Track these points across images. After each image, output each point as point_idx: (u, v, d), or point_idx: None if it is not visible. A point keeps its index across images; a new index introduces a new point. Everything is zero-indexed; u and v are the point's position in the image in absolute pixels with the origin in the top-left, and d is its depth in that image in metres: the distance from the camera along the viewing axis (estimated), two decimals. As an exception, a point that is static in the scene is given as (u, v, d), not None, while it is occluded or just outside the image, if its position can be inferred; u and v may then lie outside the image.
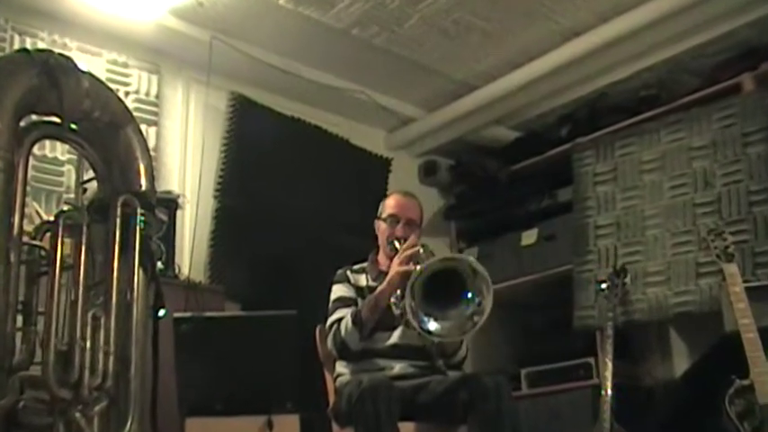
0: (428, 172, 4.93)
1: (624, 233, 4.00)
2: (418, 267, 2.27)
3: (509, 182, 4.66)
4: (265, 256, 3.93)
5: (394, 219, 2.69)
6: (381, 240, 2.74)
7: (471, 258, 2.29)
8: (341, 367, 2.69)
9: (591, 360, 3.92)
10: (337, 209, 4.26)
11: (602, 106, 4.33)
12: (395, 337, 2.62)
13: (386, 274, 2.59)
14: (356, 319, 2.51)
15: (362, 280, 2.72)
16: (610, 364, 3.42)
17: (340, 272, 2.74)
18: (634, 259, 3.95)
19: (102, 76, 3.57)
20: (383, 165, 4.73)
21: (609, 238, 4.06)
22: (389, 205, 2.75)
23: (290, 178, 4.13)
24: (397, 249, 2.59)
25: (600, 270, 4.02)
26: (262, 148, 4.09)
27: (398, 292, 2.51)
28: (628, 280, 3.82)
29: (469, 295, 2.26)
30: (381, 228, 2.72)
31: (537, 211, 4.56)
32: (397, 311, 2.60)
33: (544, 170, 4.58)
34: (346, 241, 3.96)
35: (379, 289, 2.52)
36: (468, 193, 4.95)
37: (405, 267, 2.43)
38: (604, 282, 3.83)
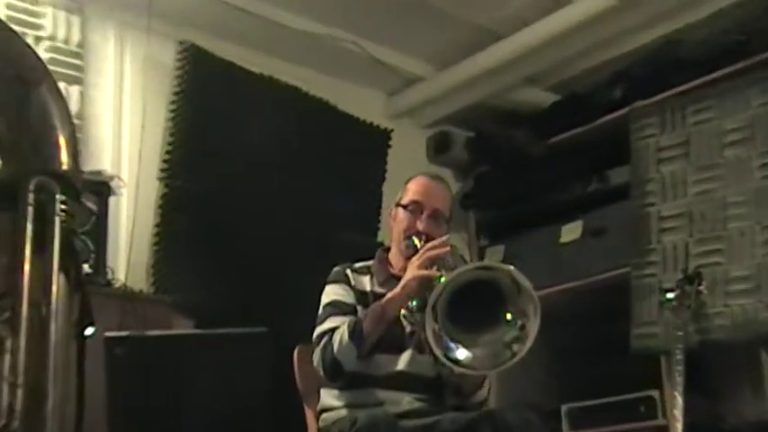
0: (439, 147, 4.99)
1: (698, 226, 4.03)
2: (444, 276, 2.34)
3: (545, 160, 4.71)
4: (227, 258, 3.97)
5: (417, 207, 2.77)
6: (396, 233, 2.82)
7: (513, 269, 2.33)
8: (328, 398, 2.73)
9: (654, 393, 3.94)
10: (322, 195, 4.33)
11: (669, 59, 4.31)
12: (402, 362, 2.68)
13: (398, 278, 2.65)
14: (355, 331, 2.56)
15: (366, 283, 2.80)
16: (680, 399, 3.42)
17: (337, 269, 2.80)
18: (712, 261, 3.96)
19: (1, 14, 3.58)
20: (381, 138, 4.81)
21: (678, 233, 4.09)
22: (413, 189, 2.83)
23: (259, 155, 4.16)
24: (417, 247, 2.67)
25: (665, 275, 4.06)
26: (221, 114, 4.11)
27: (413, 303, 2.59)
28: (703, 288, 3.83)
29: (509, 317, 2.32)
30: (399, 216, 2.80)
31: (581, 198, 4.61)
32: (408, 328, 2.68)
33: (591, 144, 4.59)
34: (334, 237, 4.07)
35: (389, 296, 2.57)
36: (490, 174, 5.00)
37: (426, 272, 2.48)
38: (672, 290, 3.85)
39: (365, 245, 3.73)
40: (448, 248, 2.53)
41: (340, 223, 4.23)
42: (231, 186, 4.09)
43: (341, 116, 4.60)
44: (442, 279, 2.32)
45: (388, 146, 4.84)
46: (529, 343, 2.31)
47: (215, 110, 4.11)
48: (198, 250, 3.96)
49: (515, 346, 2.32)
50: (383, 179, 4.71)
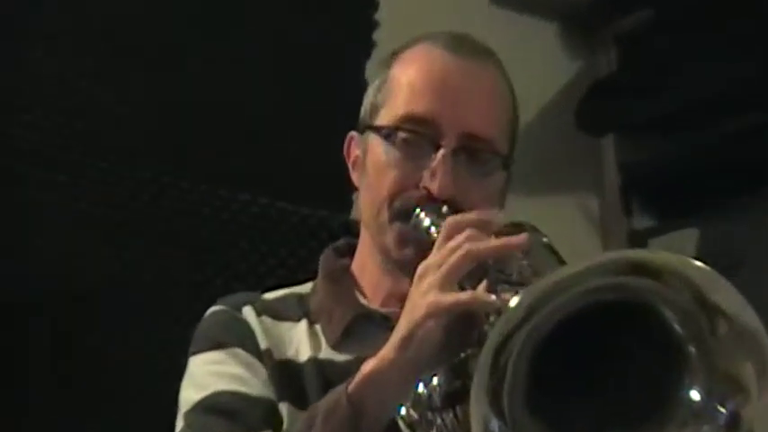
0: None
1: None
2: (514, 300, 1.34)
3: None
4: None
5: (422, 130, 1.70)
6: (372, 200, 1.74)
7: (706, 270, 1.36)
8: None
9: None
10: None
11: None
12: None
13: (383, 322, 1.73)
14: None
15: (301, 340, 1.79)
16: None
17: (221, 308, 1.81)
18: None
19: None
20: None
21: None
22: (408, 81, 1.75)
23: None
24: (429, 242, 1.59)
25: None
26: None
27: (432, 381, 1.57)
28: None
29: (693, 396, 1.42)
30: (374, 157, 1.75)
31: None
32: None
33: None
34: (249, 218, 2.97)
35: (371, 367, 1.53)
36: (663, 38, 3.56)
37: (458, 298, 1.46)
38: None
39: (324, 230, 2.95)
40: (524, 239, 1.52)
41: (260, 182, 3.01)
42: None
43: None
44: (513, 301, 1.32)
45: None
46: None
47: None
48: None
49: None
50: (369, 49, 3.14)
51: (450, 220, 1.54)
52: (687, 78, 3.35)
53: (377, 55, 3.00)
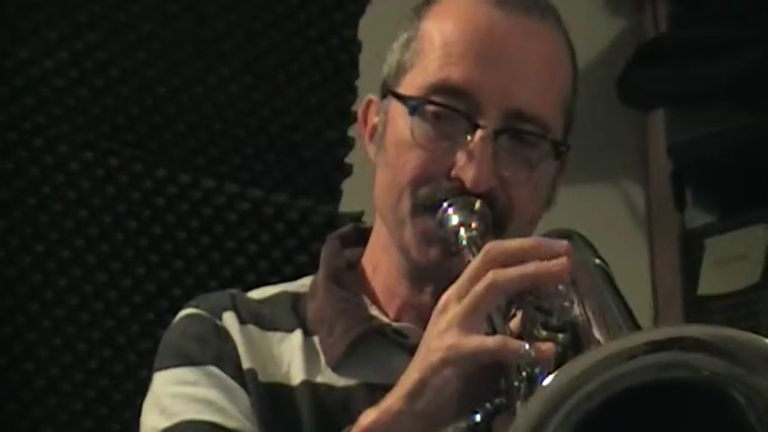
0: None
1: None
2: (548, 380, 1.24)
3: None
4: None
5: (457, 103, 1.54)
6: (390, 186, 1.59)
7: None
8: None
9: None
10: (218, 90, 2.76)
11: None
12: None
13: (394, 337, 1.60)
14: None
15: (294, 357, 1.62)
16: None
17: (195, 312, 1.63)
18: None
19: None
20: None
21: None
22: (442, 41, 1.58)
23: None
24: (457, 244, 1.51)
25: None
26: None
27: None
28: None
29: None
30: (396, 132, 1.59)
31: None
32: None
33: None
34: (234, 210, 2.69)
35: (376, 416, 1.38)
36: None
37: (481, 341, 1.33)
38: None
39: (306, 225, 2.72)
40: (561, 267, 1.35)
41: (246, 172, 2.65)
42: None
43: None
44: (547, 380, 1.20)
45: None
46: None
47: None
48: None
49: None
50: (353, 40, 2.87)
51: (491, 247, 1.35)
52: (752, 40, 3.05)
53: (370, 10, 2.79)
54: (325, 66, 2.93)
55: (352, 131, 2.78)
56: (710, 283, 3.17)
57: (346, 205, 2.75)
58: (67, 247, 2.59)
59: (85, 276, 2.55)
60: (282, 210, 2.63)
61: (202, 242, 2.52)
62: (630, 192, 3.39)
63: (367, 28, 2.81)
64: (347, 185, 2.74)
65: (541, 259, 1.34)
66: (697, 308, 3.08)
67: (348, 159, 2.82)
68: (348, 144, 2.82)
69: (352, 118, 2.76)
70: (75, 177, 2.64)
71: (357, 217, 2.58)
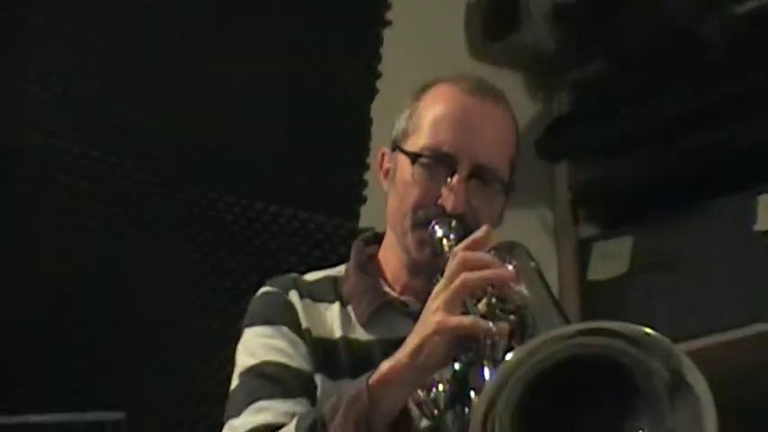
0: (497, 23, 3.90)
1: None
2: (509, 356, 1.49)
3: (728, 56, 3.58)
4: (35, 286, 3.01)
5: (442, 159, 1.87)
6: (395, 209, 1.90)
7: (673, 347, 1.47)
8: None
9: None
10: (245, 137, 3.28)
11: None
12: None
13: (401, 308, 1.86)
14: None
15: (334, 320, 1.90)
16: None
17: (273, 290, 1.94)
18: None
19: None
20: (372, 5, 3.52)
21: None
22: (434, 117, 1.90)
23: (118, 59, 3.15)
24: (441, 248, 1.79)
25: None
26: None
27: (438, 389, 1.69)
28: None
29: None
30: (402, 175, 1.89)
31: None
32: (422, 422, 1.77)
33: None
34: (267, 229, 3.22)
35: (385, 370, 1.64)
36: (605, 84, 3.95)
37: (459, 320, 1.58)
38: None
39: (336, 236, 3.26)
40: (509, 274, 1.61)
41: (289, 197, 3.21)
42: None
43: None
44: (509, 357, 1.46)
45: (384, 22, 3.47)
46: None
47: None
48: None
49: None
50: (371, 93, 3.44)
51: (461, 255, 1.67)
52: (624, 118, 3.83)
53: (379, 98, 3.46)
54: (343, 130, 3.47)
55: (367, 176, 3.37)
56: (596, 272, 3.80)
57: (363, 222, 3.40)
58: (176, 259, 3.15)
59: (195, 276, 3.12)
60: (320, 226, 3.25)
61: (261, 252, 3.15)
62: (543, 213, 4.07)
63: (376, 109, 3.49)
64: (363, 209, 3.36)
65: (494, 266, 1.64)
66: (587, 290, 3.72)
67: (364, 192, 3.43)
68: (364, 183, 3.40)
69: (365, 166, 3.36)
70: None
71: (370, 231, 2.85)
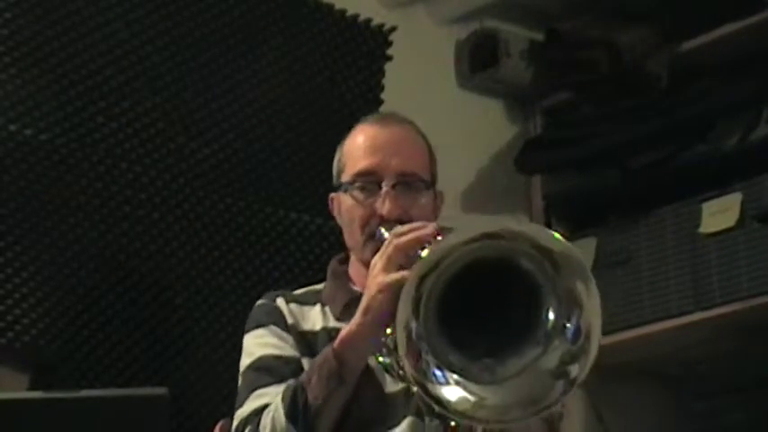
0: (479, 60, 3.94)
1: None
2: (424, 253, 1.73)
3: (672, 87, 3.71)
4: (84, 267, 3.09)
5: (369, 179, 2.11)
6: (350, 233, 2.15)
7: (544, 231, 1.73)
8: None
9: None
10: (262, 155, 3.39)
11: None
12: None
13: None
14: (296, 407, 1.90)
15: (316, 317, 2.16)
16: None
17: (263, 302, 2.19)
18: None
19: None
20: (374, 42, 3.66)
21: None
22: (354, 152, 2.16)
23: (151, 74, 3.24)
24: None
25: None
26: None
27: (391, 333, 1.83)
28: None
29: (550, 316, 1.68)
30: (345, 205, 2.15)
31: (739, 153, 3.64)
32: (395, 379, 1.98)
33: (760, 54, 3.60)
34: (289, 239, 3.34)
35: (344, 332, 1.90)
36: (573, 110, 4.03)
37: (397, 275, 1.81)
38: None
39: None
40: (431, 230, 1.83)
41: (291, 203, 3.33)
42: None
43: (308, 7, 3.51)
44: (424, 252, 1.73)
45: (386, 57, 3.64)
46: (593, 351, 1.65)
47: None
48: (29, 253, 3.03)
49: (571, 368, 1.67)
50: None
51: (394, 230, 1.89)
52: (588, 139, 4.00)
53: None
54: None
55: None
56: (564, 270, 3.86)
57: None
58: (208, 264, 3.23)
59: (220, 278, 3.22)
60: (320, 228, 3.33)
61: (276, 257, 3.25)
62: (521, 218, 4.04)
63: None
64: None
65: (416, 230, 1.83)
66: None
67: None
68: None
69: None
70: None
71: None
